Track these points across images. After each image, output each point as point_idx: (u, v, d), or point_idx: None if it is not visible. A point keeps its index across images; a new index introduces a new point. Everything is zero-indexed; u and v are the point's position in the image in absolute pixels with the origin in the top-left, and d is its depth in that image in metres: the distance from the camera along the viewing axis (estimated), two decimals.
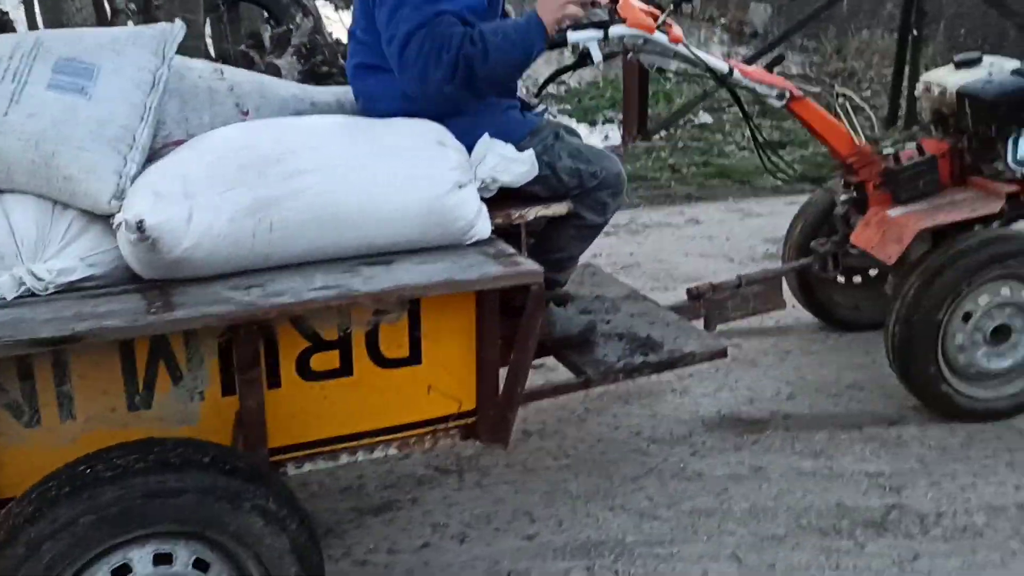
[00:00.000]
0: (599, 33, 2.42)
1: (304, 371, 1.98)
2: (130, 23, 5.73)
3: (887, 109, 6.61)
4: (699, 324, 3.03)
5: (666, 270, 4.11)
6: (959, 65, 2.96)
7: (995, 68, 2.91)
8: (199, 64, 2.24)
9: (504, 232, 2.26)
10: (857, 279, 3.41)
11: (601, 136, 7.62)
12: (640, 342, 2.66)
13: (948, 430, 2.84)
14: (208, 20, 7.89)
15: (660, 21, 2.50)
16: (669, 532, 2.44)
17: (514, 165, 2.20)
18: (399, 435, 2.13)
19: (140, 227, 1.75)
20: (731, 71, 2.72)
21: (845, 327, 3.45)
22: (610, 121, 7.71)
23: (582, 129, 7.94)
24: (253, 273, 1.91)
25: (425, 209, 2.02)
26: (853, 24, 9.83)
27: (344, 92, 2.46)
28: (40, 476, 1.69)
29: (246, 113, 2.22)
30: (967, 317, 2.75)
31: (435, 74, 2.11)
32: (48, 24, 5.96)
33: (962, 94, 2.85)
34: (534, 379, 3.01)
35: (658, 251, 4.36)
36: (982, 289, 2.73)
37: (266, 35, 6.65)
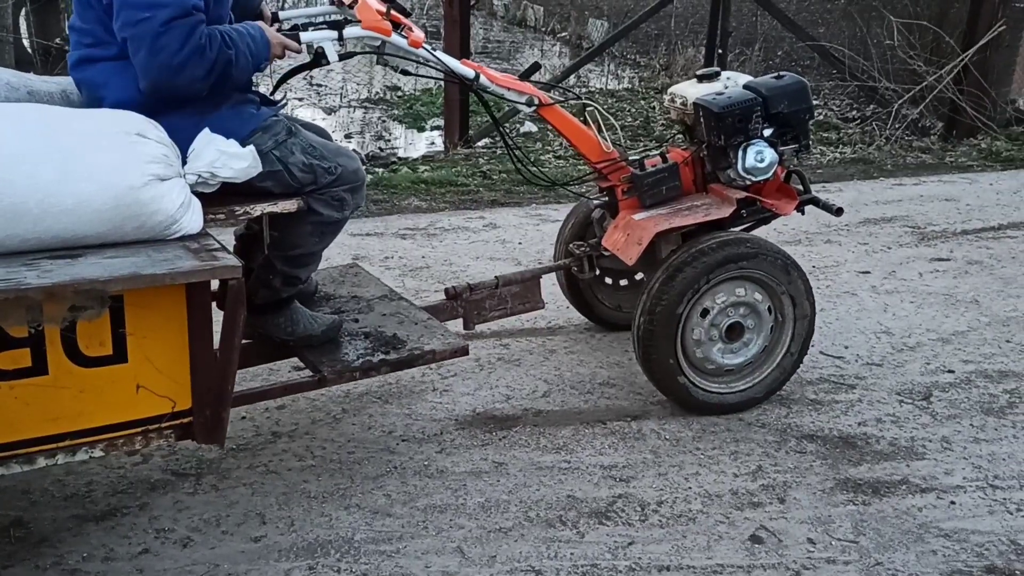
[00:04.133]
0: (333, 34, 2.46)
1: None
2: None
3: None
4: (459, 324, 3.09)
5: (453, 272, 4.16)
6: (700, 79, 3.12)
7: (730, 82, 3.08)
8: None
9: (248, 228, 2.24)
10: (624, 281, 3.56)
11: (427, 142, 7.67)
12: (384, 341, 2.70)
13: (684, 424, 3.00)
14: (24, 11, 7.47)
15: (388, 18, 2.52)
16: (400, 529, 2.46)
17: (234, 160, 2.19)
18: (105, 436, 2.06)
19: None
20: (477, 76, 2.78)
21: (609, 326, 3.60)
22: (439, 128, 7.75)
23: (411, 134, 7.97)
24: None
25: (114, 202, 1.98)
26: (680, 43, 10.28)
27: (70, 82, 2.39)
28: None
29: None
30: (705, 313, 2.92)
31: (195, 70, 2.13)
32: None
33: (698, 105, 3.00)
34: (274, 379, 3.02)
35: (450, 254, 4.41)
36: (719, 288, 2.90)
37: None
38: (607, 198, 3.12)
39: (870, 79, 7.47)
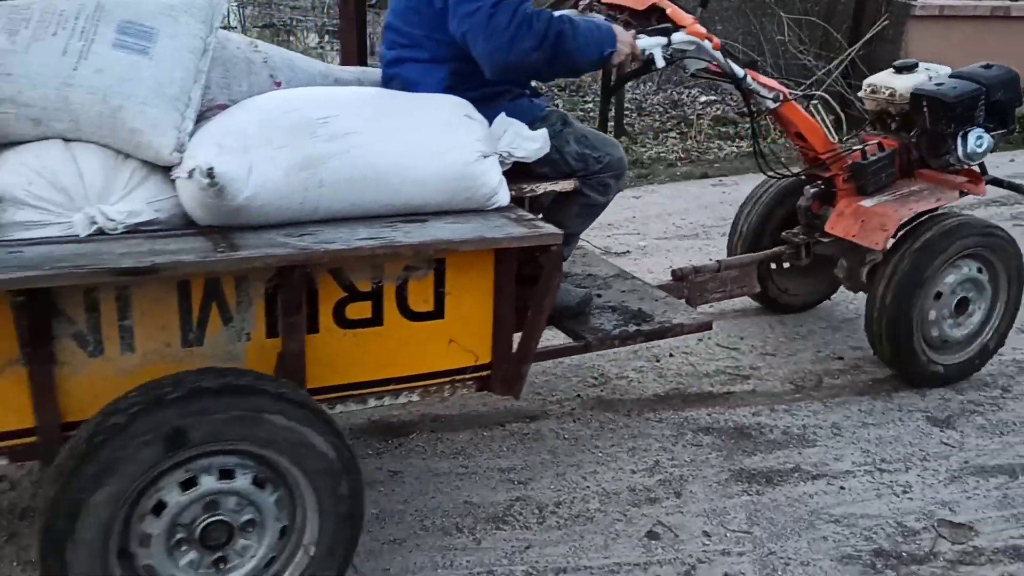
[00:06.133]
0: (664, 39, 2.61)
1: (340, 319, 2.11)
2: None
3: (599, 120, 7.00)
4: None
5: None
6: (899, 70, 3.26)
7: (932, 72, 3.24)
8: (236, 37, 2.37)
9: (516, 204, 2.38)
10: (786, 264, 3.64)
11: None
12: (632, 314, 2.80)
13: (583, 422, 2.99)
14: None
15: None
16: None
17: (528, 142, 2.36)
18: (422, 383, 2.26)
19: (210, 174, 1.87)
20: (745, 76, 2.98)
21: (778, 308, 3.81)
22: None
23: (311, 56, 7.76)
24: (301, 225, 2.04)
25: (454, 174, 2.19)
26: None
27: (362, 72, 2.64)
28: (99, 405, 1.79)
29: (279, 84, 2.35)
30: (940, 292, 3.14)
31: (524, 42, 2.23)
32: None
33: (919, 95, 3.11)
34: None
35: None
36: (956, 264, 3.14)
37: None
38: (822, 186, 3.27)
39: (764, 74, 7.64)
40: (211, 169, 1.86)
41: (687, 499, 2.62)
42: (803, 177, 3.33)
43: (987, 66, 3.21)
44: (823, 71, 7.14)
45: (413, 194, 2.16)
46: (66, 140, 1.95)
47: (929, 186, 3.17)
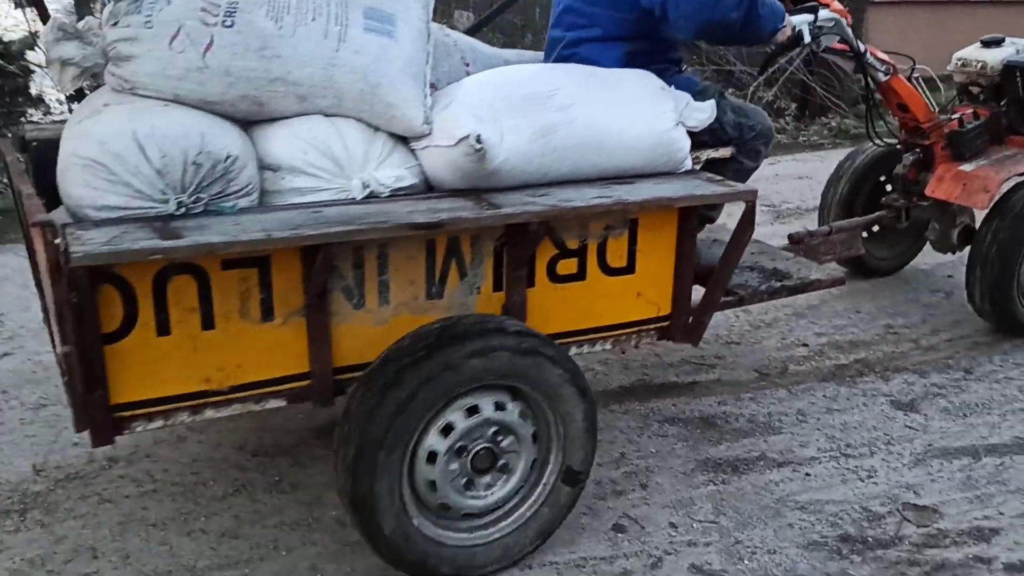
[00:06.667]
0: (811, 17, 2.78)
1: (552, 275, 2.31)
2: None
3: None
4: None
5: None
6: (986, 44, 3.57)
7: (1019, 45, 3.55)
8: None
9: None
10: (865, 234, 3.76)
11: None
12: (770, 272, 2.96)
13: None
14: None
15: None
16: (248, 551, 2.31)
17: (697, 112, 2.51)
18: (614, 333, 2.45)
19: (479, 140, 2.07)
20: (866, 51, 3.24)
21: (866, 272, 4.09)
22: None
23: None
24: (536, 187, 2.25)
25: (656, 140, 2.39)
26: (545, 32, 10.29)
27: (519, 54, 2.85)
28: (359, 352, 2.07)
29: (467, 65, 2.54)
30: None
31: (729, 0, 2.41)
32: None
33: (1012, 66, 3.45)
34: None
35: None
36: None
37: None
38: (920, 154, 3.52)
39: (727, 63, 7.66)
40: (479, 136, 2.08)
41: (653, 490, 2.60)
42: (900, 146, 3.59)
43: None
44: (785, 59, 7.16)
45: (623, 158, 2.38)
46: (325, 116, 2.11)
47: (1021, 151, 3.45)
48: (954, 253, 3.64)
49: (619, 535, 2.41)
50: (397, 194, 2.13)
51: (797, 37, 2.73)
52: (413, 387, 1.96)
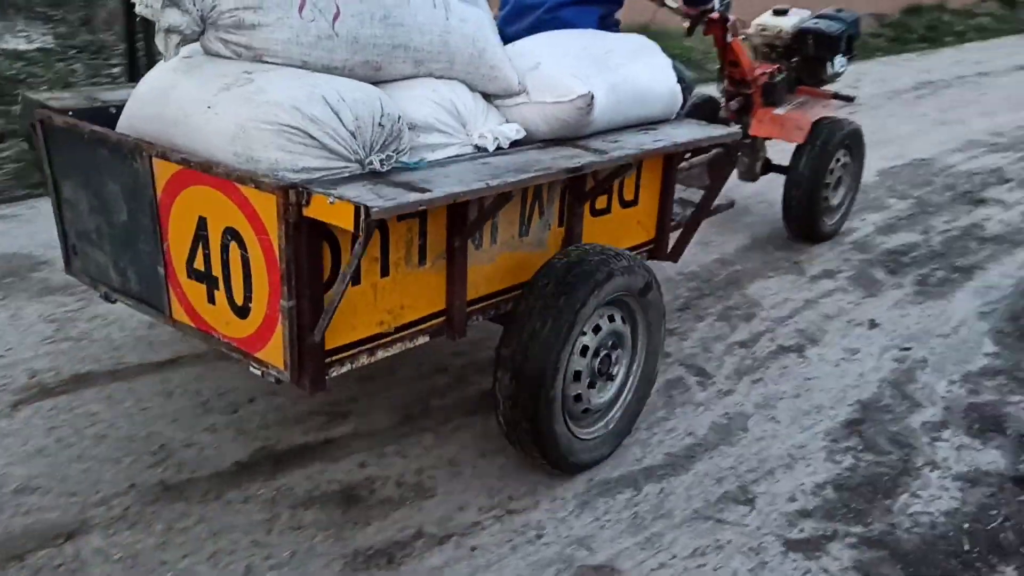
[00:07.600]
0: None
1: (592, 210, 2.73)
2: None
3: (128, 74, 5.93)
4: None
5: None
6: (777, 12, 4.44)
7: (804, 13, 4.44)
8: None
9: None
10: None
11: None
12: (682, 202, 3.42)
13: (142, 527, 2.22)
14: None
15: None
16: None
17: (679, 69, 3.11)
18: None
19: (591, 98, 2.43)
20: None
21: None
22: None
23: None
24: (603, 134, 2.62)
25: (669, 91, 2.86)
26: None
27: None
28: (478, 287, 2.40)
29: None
30: (831, 172, 4.40)
31: None
32: None
33: (805, 31, 4.30)
34: None
35: None
36: (838, 153, 4.37)
37: None
38: (743, 101, 4.25)
39: None
40: (591, 95, 2.42)
41: None
42: (724, 95, 4.32)
43: (839, 10, 4.47)
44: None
45: (651, 109, 2.80)
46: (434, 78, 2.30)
47: (811, 99, 4.39)
48: (755, 180, 4.55)
49: None
50: (499, 148, 2.36)
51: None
52: (584, 294, 2.34)
